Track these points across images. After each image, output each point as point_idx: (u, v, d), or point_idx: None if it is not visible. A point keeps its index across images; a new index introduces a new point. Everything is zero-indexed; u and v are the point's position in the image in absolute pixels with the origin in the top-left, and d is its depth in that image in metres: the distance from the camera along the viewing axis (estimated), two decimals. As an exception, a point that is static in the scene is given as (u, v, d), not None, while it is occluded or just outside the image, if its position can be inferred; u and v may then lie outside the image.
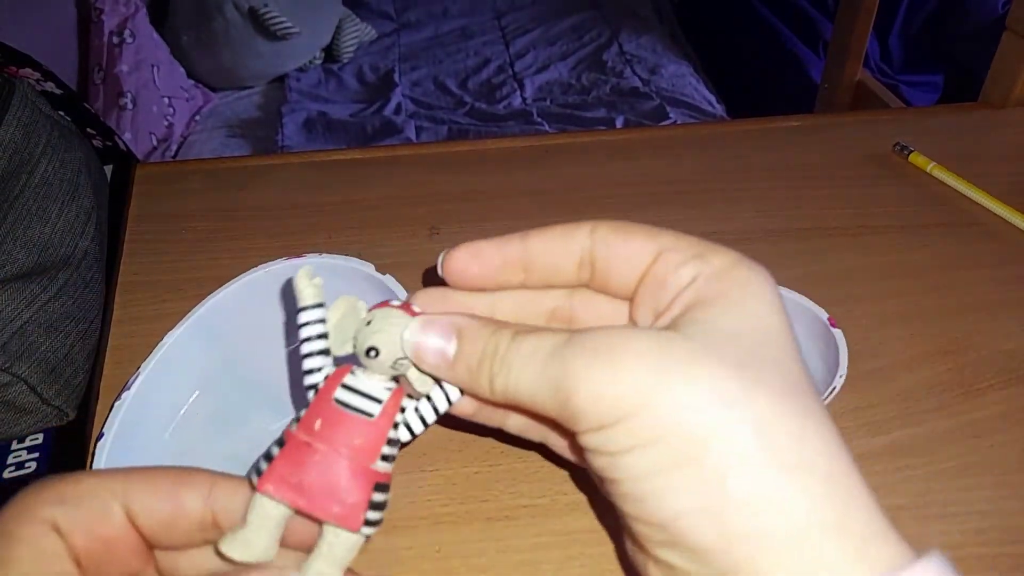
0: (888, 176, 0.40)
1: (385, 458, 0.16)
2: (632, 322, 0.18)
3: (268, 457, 0.16)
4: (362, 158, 0.43)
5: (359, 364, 0.17)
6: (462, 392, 0.17)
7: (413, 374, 0.17)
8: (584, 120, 1.04)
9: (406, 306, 0.17)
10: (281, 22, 1.09)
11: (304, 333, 0.17)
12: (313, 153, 0.46)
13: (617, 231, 0.18)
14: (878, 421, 0.27)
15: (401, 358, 0.17)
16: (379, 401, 0.16)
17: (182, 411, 0.26)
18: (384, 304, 0.17)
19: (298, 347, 0.17)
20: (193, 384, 0.26)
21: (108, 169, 0.40)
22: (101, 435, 0.23)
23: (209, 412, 0.26)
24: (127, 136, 0.96)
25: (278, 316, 0.27)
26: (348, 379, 0.17)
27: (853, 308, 0.32)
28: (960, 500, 0.25)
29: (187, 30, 1.11)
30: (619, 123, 1.02)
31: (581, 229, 0.18)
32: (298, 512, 0.16)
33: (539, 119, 1.04)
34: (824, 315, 0.25)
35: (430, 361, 0.16)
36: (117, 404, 0.24)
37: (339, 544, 0.16)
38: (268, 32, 1.10)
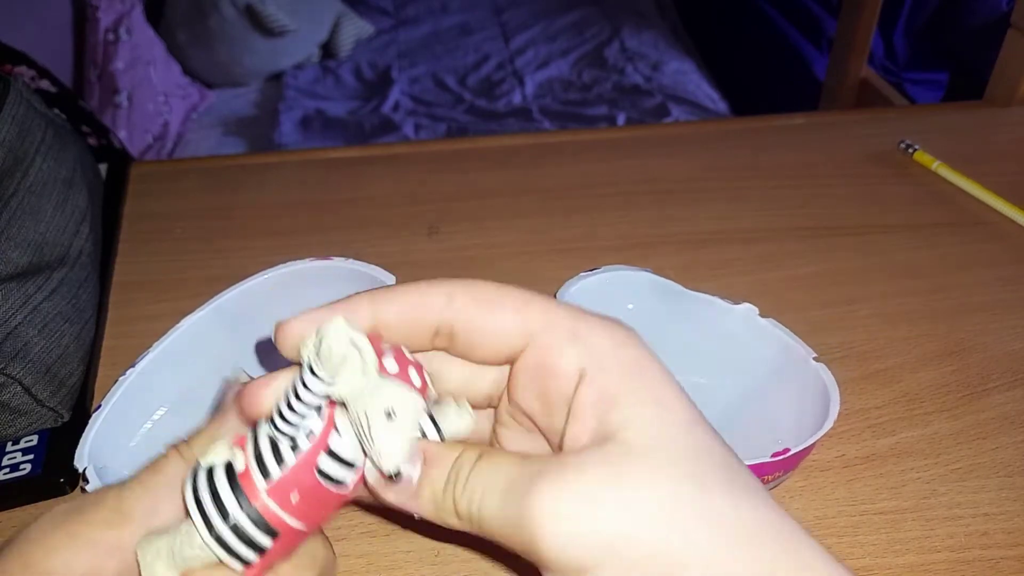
0: (892, 174, 0.40)
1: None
2: (514, 403, 0.16)
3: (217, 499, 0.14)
4: (360, 156, 0.43)
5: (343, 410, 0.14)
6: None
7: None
8: (585, 117, 1.03)
9: (423, 388, 0.15)
10: (277, 19, 1.08)
11: (304, 396, 0.15)
12: (310, 151, 0.45)
13: (479, 303, 0.15)
14: (883, 422, 0.27)
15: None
16: (356, 466, 0.15)
17: (188, 392, 0.25)
18: (403, 371, 0.15)
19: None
20: (204, 370, 0.26)
21: (103, 167, 0.39)
22: (99, 406, 0.23)
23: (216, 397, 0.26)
24: (122, 134, 0.95)
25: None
26: (333, 442, 0.15)
27: (858, 308, 0.32)
28: (965, 502, 0.25)
29: (183, 27, 1.10)
30: (620, 121, 1.01)
31: (434, 297, 0.15)
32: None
33: (539, 116, 1.04)
34: (811, 353, 0.24)
35: (394, 496, 0.15)
36: (120, 378, 0.24)
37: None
38: (264, 29, 1.10)
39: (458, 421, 0.15)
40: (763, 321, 0.26)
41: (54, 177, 0.31)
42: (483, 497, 0.14)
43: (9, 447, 0.27)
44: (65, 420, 0.28)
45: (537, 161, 0.41)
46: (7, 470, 0.26)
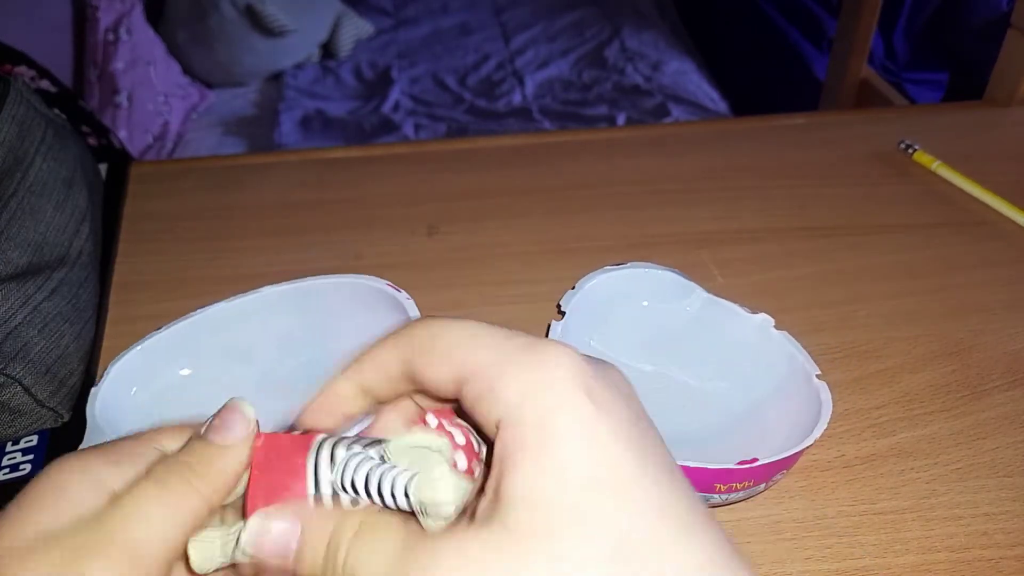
0: (892, 174, 0.40)
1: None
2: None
3: None
4: (360, 156, 0.43)
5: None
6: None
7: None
8: (585, 118, 1.03)
9: (468, 448, 0.15)
10: (277, 19, 1.08)
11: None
12: (310, 151, 0.45)
13: (417, 352, 0.15)
14: (883, 423, 0.27)
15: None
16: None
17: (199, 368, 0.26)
18: (454, 441, 0.15)
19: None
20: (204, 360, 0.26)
21: (103, 167, 0.39)
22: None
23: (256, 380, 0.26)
24: (122, 134, 0.95)
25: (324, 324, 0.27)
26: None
27: (858, 308, 0.31)
28: (965, 502, 0.25)
29: (183, 27, 1.10)
30: (620, 121, 1.01)
31: (387, 353, 0.16)
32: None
33: (539, 116, 1.04)
34: (815, 370, 0.24)
35: (270, 553, 0.14)
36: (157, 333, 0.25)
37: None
38: (264, 29, 1.09)
39: (442, 494, 0.14)
40: (777, 333, 0.26)
41: (54, 177, 0.31)
42: (364, 567, 0.13)
43: (9, 447, 0.27)
44: (65, 420, 0.28)
45: (537, 161, 0.41)
46: (7, 470, 0.26)
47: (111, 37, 0.98)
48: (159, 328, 0.26)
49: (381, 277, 0.27)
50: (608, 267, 0.27)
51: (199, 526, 0.15)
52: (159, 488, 0.15)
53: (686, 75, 1.10)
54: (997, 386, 0.28)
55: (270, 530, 0.15)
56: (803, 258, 0.34)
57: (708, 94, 1.07)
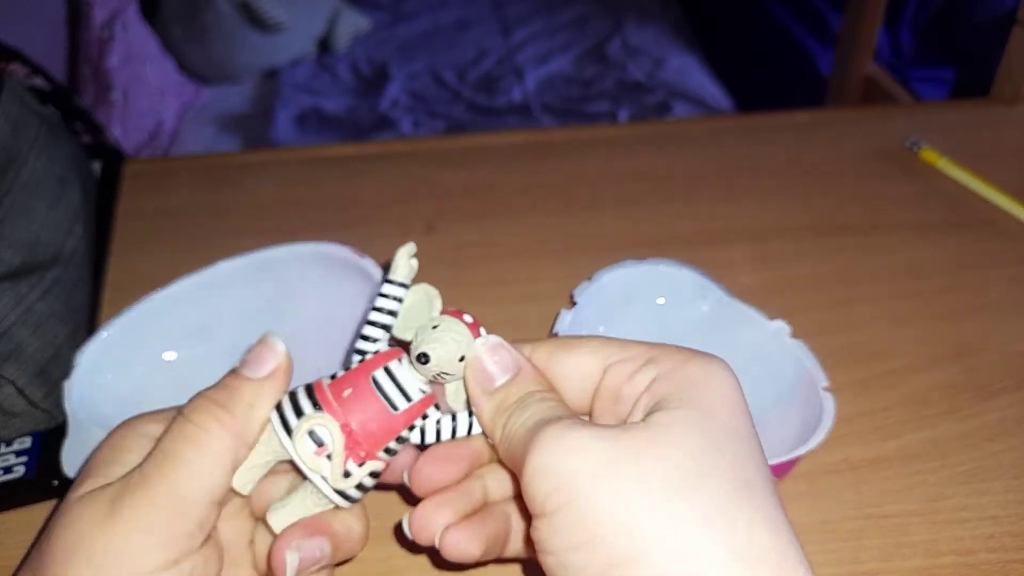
0: (898, 172, 0.39)
1: (388, 451, 0.17)
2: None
3: (294, 400, 0.17)
4: (357, 153, 0.42)
5: (409, 354, 0.17)
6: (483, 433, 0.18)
7: (451, 389, 0.17)
8: (586, 114, 1.03)
9: (475, 325, 0.17)
10: (273, 14, 1.07)
11: (378, 303, 0.18)
12: (306, 148, 0.45)
13: (558, 348, 0.17)
14: (889, 424, 0.27)
15: (446, 372, 0.17)
16: (409, 399, 0.17)
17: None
18: (456, 313, 0.17)
19: (366, 310, 0.18)
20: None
21: (96, 165, 0.39)
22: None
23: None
24: (117, 131, 0.94)
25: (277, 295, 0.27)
26: (392, 364, 0.17)
27: (863, 309, 0.31)
28: (972, 505, 0.24)
29: (178, 23, 1.09)
30: (622, 117, 1.01)
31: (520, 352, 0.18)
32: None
33: (539, 113, 1.03)
34: (823, 381, 0.24)
35: (476, 379, 0.17)
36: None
37: (311, 500, 0.17)
38: (260, 24, 1.09)
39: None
40: (791, 341, 0.25)
41: (48, 175, 0.31)
42: (524, 422, 0.15)
43: (2, 449, 0.27)
44: (59, 422, 0.27)
45: (537, 158, 0.41)
46: (0, 472, 0.26)
47: (106, 34, 0.97)
48: (119, 313, 0.26)
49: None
50: (628, 261, 0.27)
51: (238, 461, 0.16)
52: (192, 428, 0.16)
53: (689, 71, 1.10)
54: (1005, 387, 0.28)
55: (500, 353, 0.17)
56: (807, 257, 0.34)
57: (711, 91, 1.06)
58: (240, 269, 0.27)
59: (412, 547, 0.23)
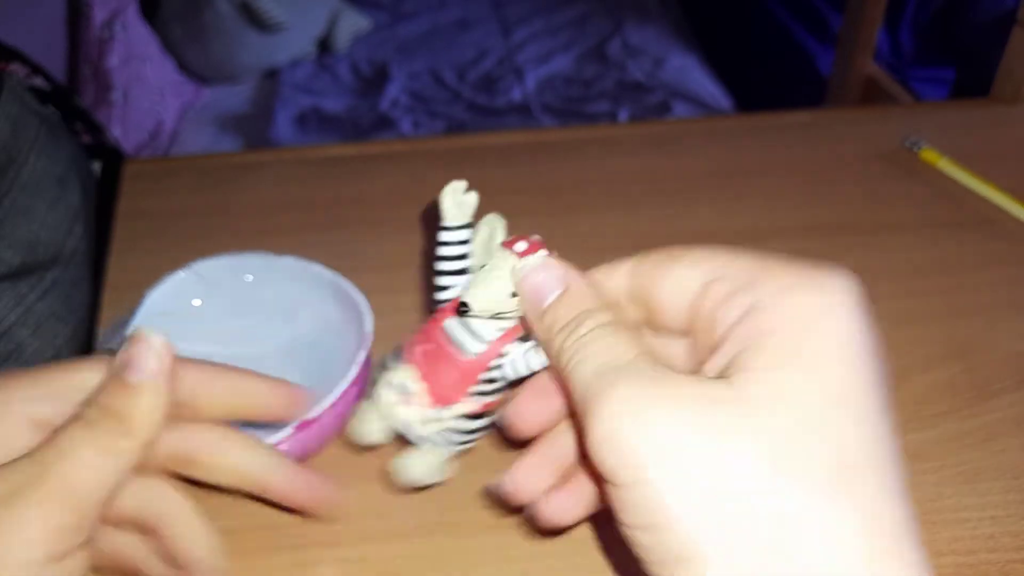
0: (898, 172, 0.39)
1: (483, 393, 0.17)
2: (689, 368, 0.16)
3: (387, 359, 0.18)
4: (356, 154, 0.42)
5: None
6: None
7: None
8: (586, 114, 1.03)
9: (532, 248, 0.16)
10: (273, 14, 1.07)
11: (439, 251, 0.18)
12: (306, 149, 0.45)
13: (663, 260, 0.15)
14: (889, 425, 0.27)
15: (502, 312, 0.16)
16: (484, 341, 0.17)
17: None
18: (512, 242, 0.17)
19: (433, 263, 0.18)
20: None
21: (96, 165, 0.39)
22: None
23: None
24: (117, 131, 0.94)
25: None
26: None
27: (862, 308, 0.31)
28: (972, 505, 0.24)
29: (178, 23, 1.09)
30: (622, 117, 1.01)
31: (621, 267, 0.16)
32: None
33: (539, 113, 1.03)
34: None
35: (527, 298, 0.16)
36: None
37: (427, 449, 0.18)
38: (260, 24, 1.09)
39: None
40: None
41: (48, 175, 0.31)
42: (584, 360, 0.14)
43: (1, 450, 0.26)
44: (58, 423, 0.27)
45: (537, 159, 0.41)
46: None
47: (106, 34, 0.97)
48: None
49: (378, 276, 0.26)
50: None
51: (137, 465, 0.15)
52: (91, 430, 0.15)
53: (689, 71, 1.10)
54: (1005, 387, 0.28)
55: (546, 271, 0.15)
56: (807, 257, 0.34)
57: (711, 91, 1.06)
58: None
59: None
